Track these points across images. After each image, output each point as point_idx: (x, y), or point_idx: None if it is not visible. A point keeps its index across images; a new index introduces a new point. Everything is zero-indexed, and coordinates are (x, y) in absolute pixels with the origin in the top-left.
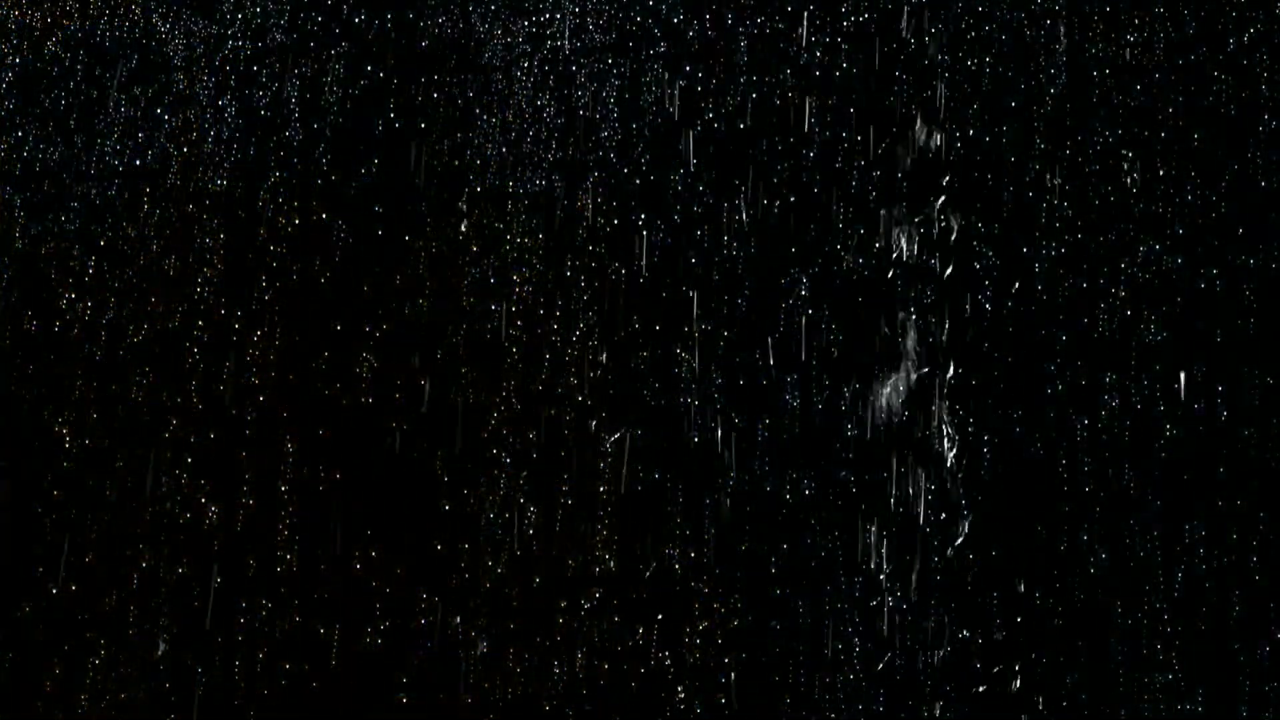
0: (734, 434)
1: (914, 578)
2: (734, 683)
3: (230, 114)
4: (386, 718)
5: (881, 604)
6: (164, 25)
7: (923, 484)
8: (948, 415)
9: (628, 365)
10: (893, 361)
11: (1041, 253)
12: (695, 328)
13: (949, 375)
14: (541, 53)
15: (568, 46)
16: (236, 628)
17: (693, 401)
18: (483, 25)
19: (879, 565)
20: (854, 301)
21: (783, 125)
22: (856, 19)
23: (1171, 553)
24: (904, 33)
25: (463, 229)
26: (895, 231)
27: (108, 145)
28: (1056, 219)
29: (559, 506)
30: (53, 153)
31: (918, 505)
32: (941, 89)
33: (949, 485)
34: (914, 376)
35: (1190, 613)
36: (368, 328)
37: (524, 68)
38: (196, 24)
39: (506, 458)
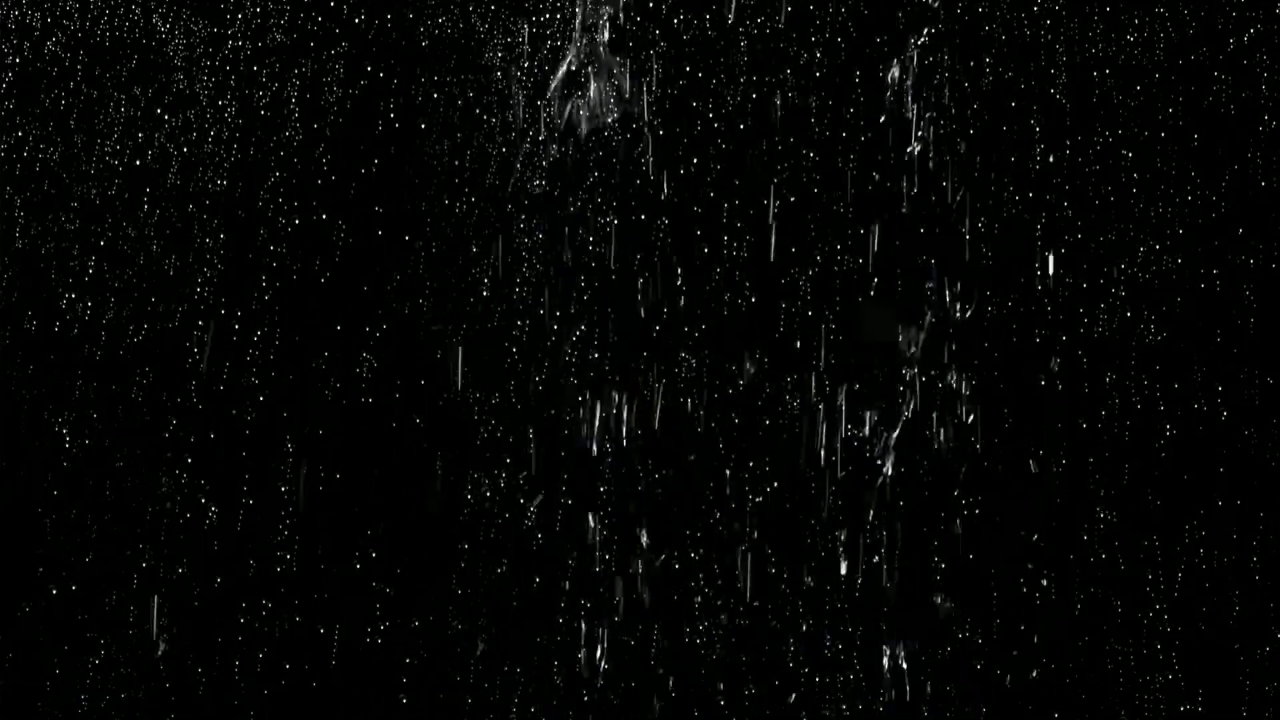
0: (734, 433)
1: (913, 578)
2: (734, 683)
3: (230, 114)
4: (386, 718)
5: (880, 604)
6: (164, 25)
7: (922, 484)
8: (947, 415)
9: (628, 364)
10: (892, 361)
11: (1041, 253)
12: (695, 327)
13: (949, 375)
14: (541, 53)
15: (567, 47)
16: (236, 628)
17: (693, 401)
18: (483, 25)
19: (878, 565)
20: (852, 302)
21: (783, 125)
22: (855, 18)
23: (1171, 553)
24: (903, 31)
25: (463, 229)
26: (893, 232)
27: (108, 145)
28: (1057, 219)
29: (559, 506)
30: (53, 153)
31: (917, 505)
32: (940, 89)
33: (949, 485)
34: (913, 376)
35: (1190, 613)
36: (368, 328)
37: (524, 68)
38: (196, 24)
39: (507, 457)
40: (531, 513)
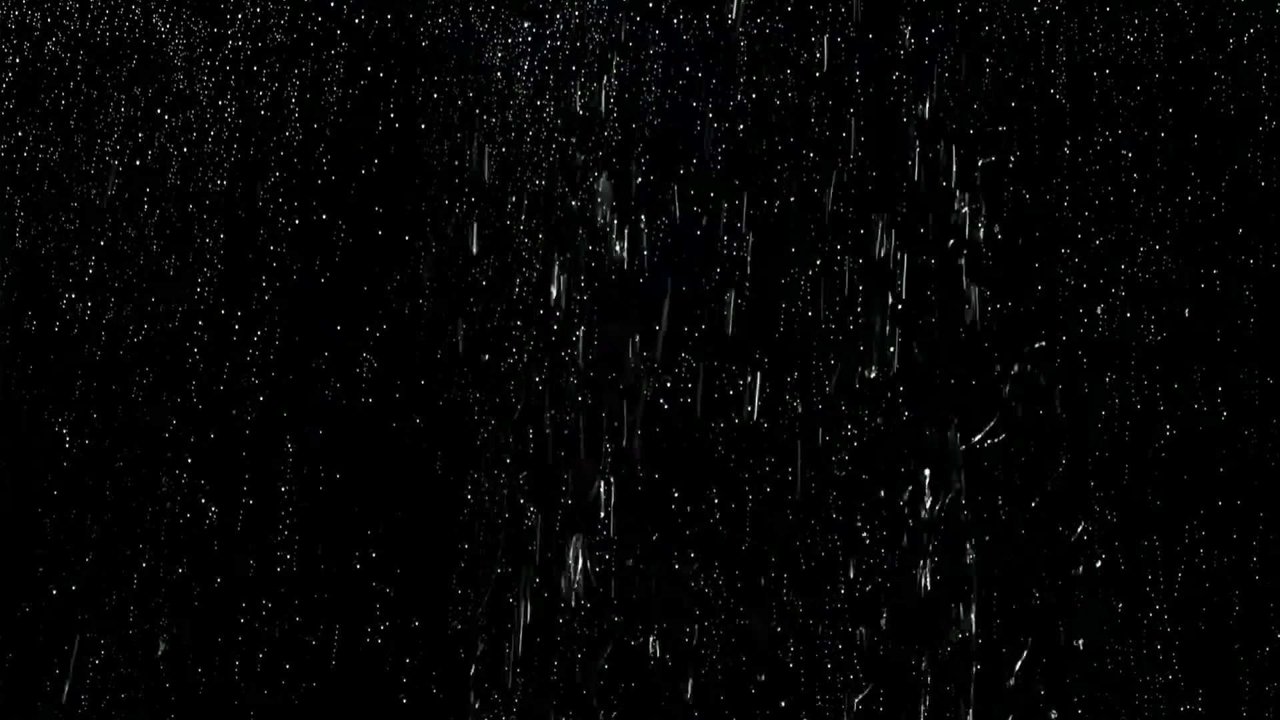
0: (734, 433)
1: (913, 578)
2: (733, 684)
3: (230, 114)
4: (386, 718)
5: (880, 604)
6: (164, 25)
7: (922, 484)
8: (947, 416)
9: (628, 365)
10: (892, 361)
11: (1041, 253)
12: (695, 327)
13: (948, 375)
14: (541, 52)
15: (567, 47)
16: (236, 628)
17: (692, 401)
18: (482, 25)
19: (878, 565)
20: (852, 302)
21: (783, 126)
22: (855, 18)
23: (1171, 553)
24: (904, 31)
25: (463, 229)
26: (893, 232)
27: (108, 145)
28: (1056, 219)
29: (559, 506)
30: (53, 153)
31: (916, 505)
32: (940, 89)
33: (948, 485)
34: (913, 376)
35: (1190, 613)
36: (368, 328)
37: (524, 68)
38: (196, 24)
39: (507, 457)
40: (531, 512)
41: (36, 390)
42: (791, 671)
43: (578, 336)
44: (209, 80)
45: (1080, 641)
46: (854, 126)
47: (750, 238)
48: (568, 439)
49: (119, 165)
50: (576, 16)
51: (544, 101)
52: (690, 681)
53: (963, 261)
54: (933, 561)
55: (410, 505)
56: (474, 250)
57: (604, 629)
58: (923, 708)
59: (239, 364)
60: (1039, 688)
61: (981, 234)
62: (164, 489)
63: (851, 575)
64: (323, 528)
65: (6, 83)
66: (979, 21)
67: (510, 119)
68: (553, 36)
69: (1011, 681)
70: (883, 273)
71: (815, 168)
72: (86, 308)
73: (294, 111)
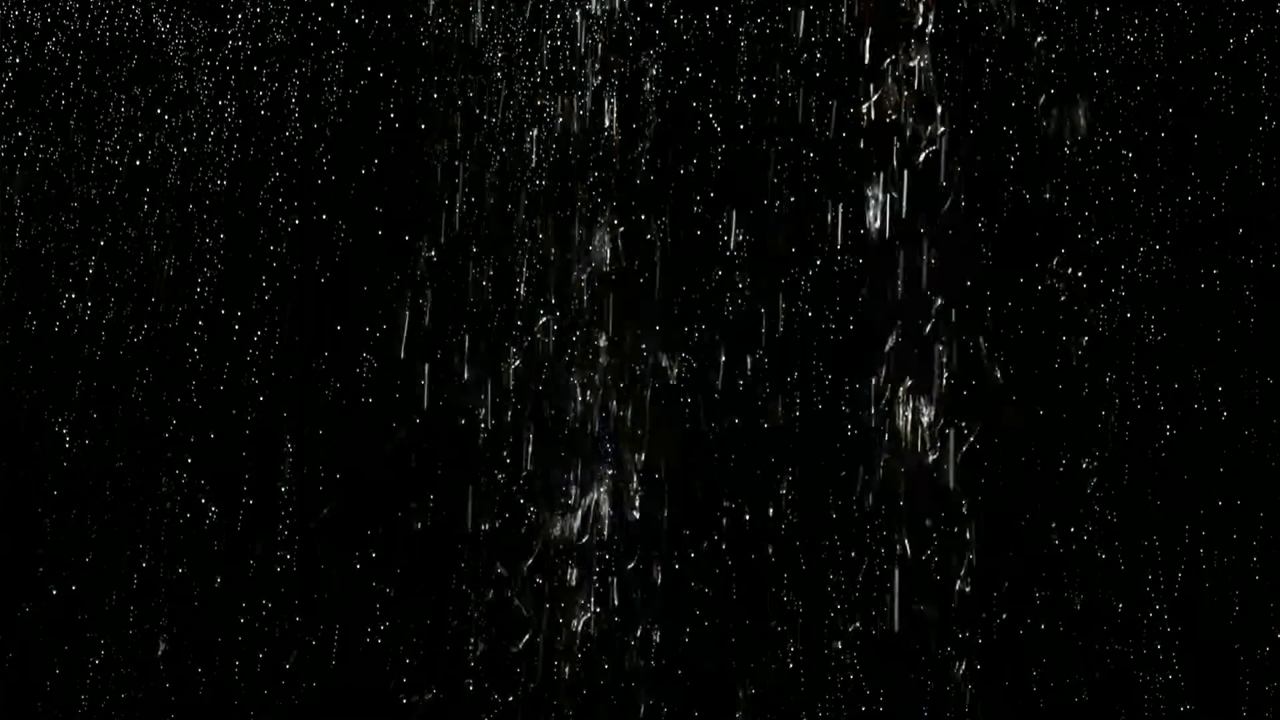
0: (733, 433)
1: (912, 578)
2: (734, 684)
3: (230, 114)
4: (386, 718)
5: (879, 604)
6: (164, 25)
7: (922, 484)
8: (947, 416)
9: (627, 365)
10: (891, 361)
11: (1041, 253)
12: (695, 327)
13: (948, 375)
14: (541, 53)
15: (567, 47)
16: (236, 628)
17: (691, 401)
18: (483, 25)
19: (877, 565)
20: (852, 301)
21: (783, 126)
22: (855, 18)
23: (1171, 553)
24: (903, 31)
25: (463, 229)
26: (893, 231)
27: (108, 145)
28: (1056, 219)
29: (558, 506)
30: (53, 153)
31: (916, 505)
32: (940, 89)
33: (948, 485)
34: (913, 376)
35: (1190, 613)
36: (368, 328)
37: (523, 67)
38: (196, 24)
39: (507, 457)
40: (531, 511)
41: (36, 390)
42: (791, 672)
43: (578, 336)
44: (209, 80)
45: (1081, 641)
46: (853, 126)
47: (750, 238)
48: (568, 439)
49: (119, 165)
50: (576, 17)
51: (544, 101)
52: (690, 682)
53: (963, 262)
54: (933, 561)
55: (410, 506)
56: (474, 250)
57: (604, 629)
58: (924, 708)
59: (239, 364)
60: (1040, 688)
61: (981, 233)
62: (164, 489)
63: (852, 576)
64: (323, 528)
65: (6, 83)
66: (979, 21)
67: (510, 119)
68: (553, 37)
69: (1011, 681)
70: (882, 272)
71: (815, 168)
72: (86, 308)
73: (294, 111)
